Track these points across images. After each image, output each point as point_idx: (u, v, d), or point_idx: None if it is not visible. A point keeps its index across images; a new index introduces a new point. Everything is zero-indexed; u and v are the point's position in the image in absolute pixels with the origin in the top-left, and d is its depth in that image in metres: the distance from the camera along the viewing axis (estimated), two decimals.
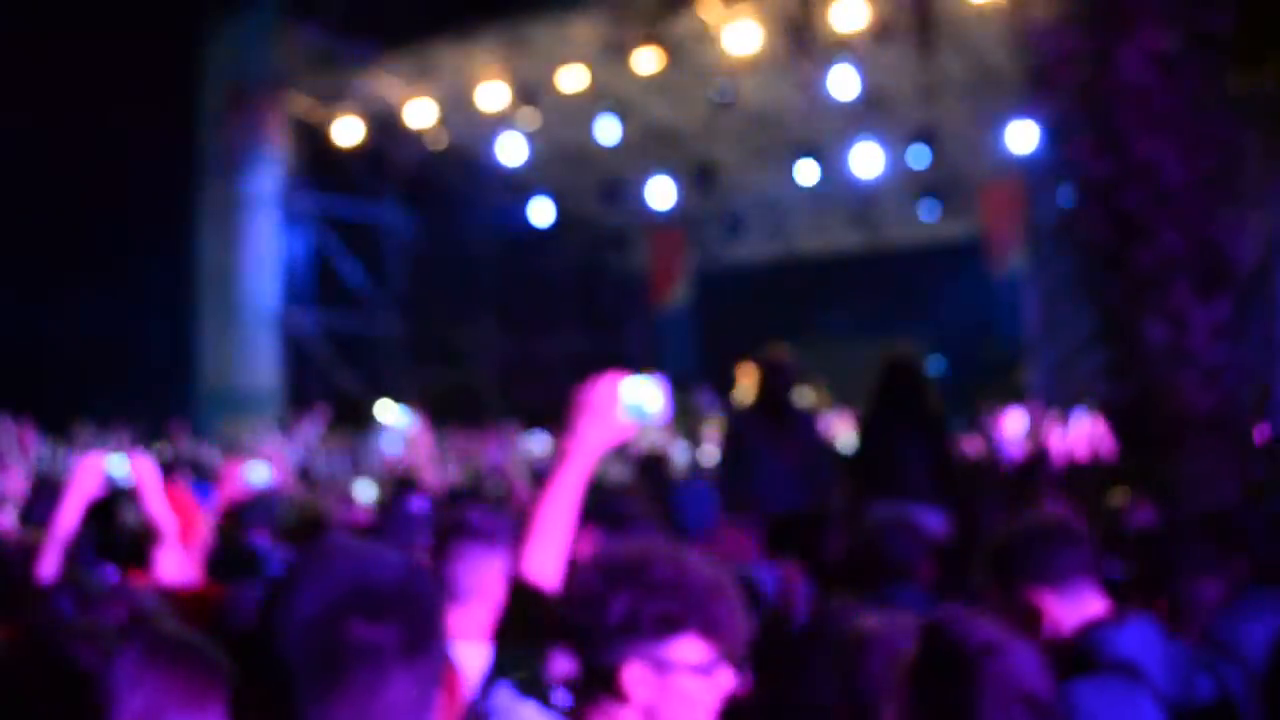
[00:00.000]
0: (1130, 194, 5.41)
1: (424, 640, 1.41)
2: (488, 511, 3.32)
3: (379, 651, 1.36)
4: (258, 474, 6.35)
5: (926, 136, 18.67)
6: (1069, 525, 2.96)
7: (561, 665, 2.43)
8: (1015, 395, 17.39)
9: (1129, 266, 5.43)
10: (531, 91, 18.51)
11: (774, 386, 6.83)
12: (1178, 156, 5.36)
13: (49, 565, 3.77)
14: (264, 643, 1.40)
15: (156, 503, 4.05)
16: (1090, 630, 2.71)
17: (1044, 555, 2.82)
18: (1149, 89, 5.39)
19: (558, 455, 2.57)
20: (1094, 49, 5.54)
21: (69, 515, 3.90)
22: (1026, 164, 15.27)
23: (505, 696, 2.27)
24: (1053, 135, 5.94)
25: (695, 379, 22.16)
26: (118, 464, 4.26)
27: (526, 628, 2.43)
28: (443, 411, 22.19)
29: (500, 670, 2.35)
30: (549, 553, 2.48)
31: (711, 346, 23.55)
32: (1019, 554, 2.86)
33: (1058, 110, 5.96)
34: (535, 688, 2.29)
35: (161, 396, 19.68)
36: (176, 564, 4.01)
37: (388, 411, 7.58)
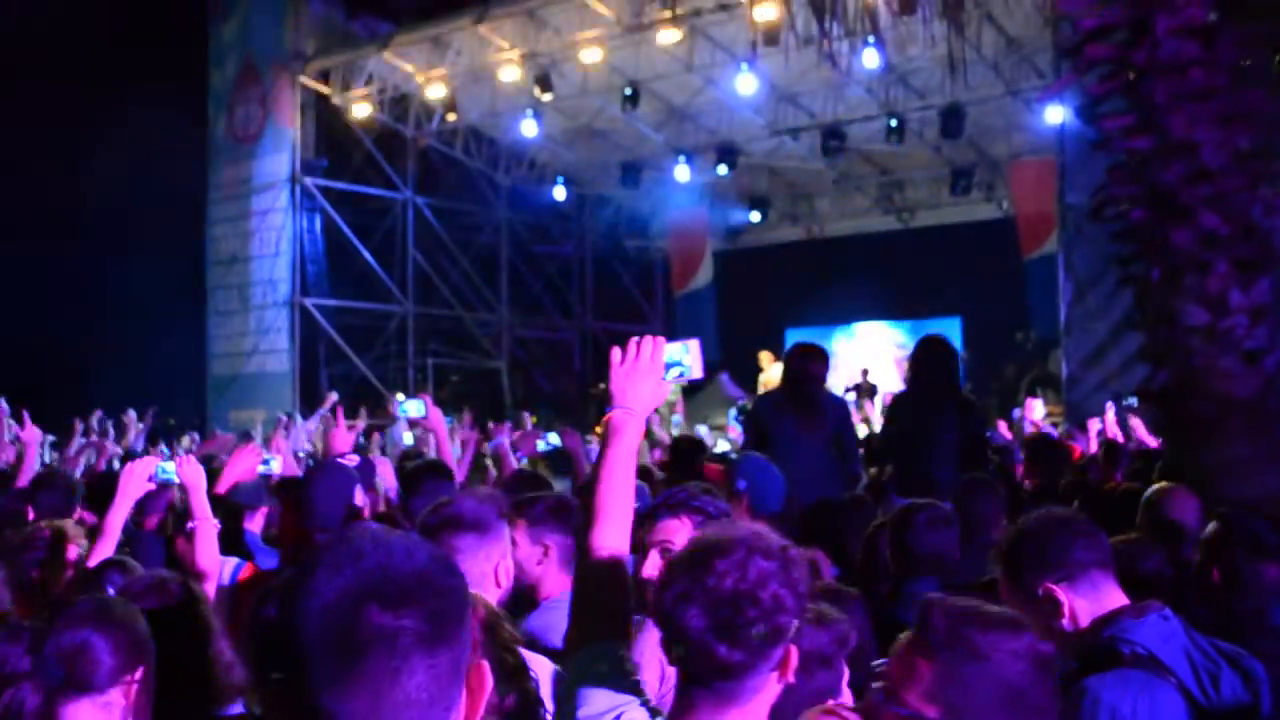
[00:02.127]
0: (1167, 172, 5.34)
1: (445, 632, 1.38)
2: (481, 499, 3.31)
3: (397, 640, 1.34)
4: (271, 465, 6.35)
5: (954, 114, 18.57)
6: (1082, 518, 2.93)
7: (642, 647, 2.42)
8: (1050, 380, 17.32)
9: (1166, 247, 5.37)
10: (548, 71, 18.49)
11: (801, 373, 6.84)
12: (1217, 133, 5.30)
13: (102, 554, 4.02)
14: (281, 629, 1.39)
15: (201, 503, 4.21)
16: (1109, 622, 2.70)
17: (1057, 547, 2.80)
18: (1187, 63, 5.32)
19: (605, 427, 2.54)
20: (1130, 21, 5.48)
21: (120, 512, 4.26)
22: (1058, 142, 15.14)
23: (603, 700, 2.20)
24: (1086, 112, 5.87)
25: (716, 363, 22.16)
26: (167, 466, 4.49)
27: (606, 611, 2.37)
28: (458, 396, 22.28)
29: (584, 667, 2.27)
30: (619, 528, 2.44)
31: (733, 329, 23.51)
32: (1033, 547, 2.84)
33: (1091, 86, 5.88)
34: (627, 682, 2.23)
35: (172, 383, 19.79)
36: (214, 560, 4.14)
37: (403, 402, 7.67)
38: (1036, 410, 12.41)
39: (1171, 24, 5.39)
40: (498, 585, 3.21)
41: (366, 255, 21.48)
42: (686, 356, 2.54)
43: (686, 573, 2.04)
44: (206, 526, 4.19)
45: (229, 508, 5.34)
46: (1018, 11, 15.63)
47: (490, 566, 3.21)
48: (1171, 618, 2.72)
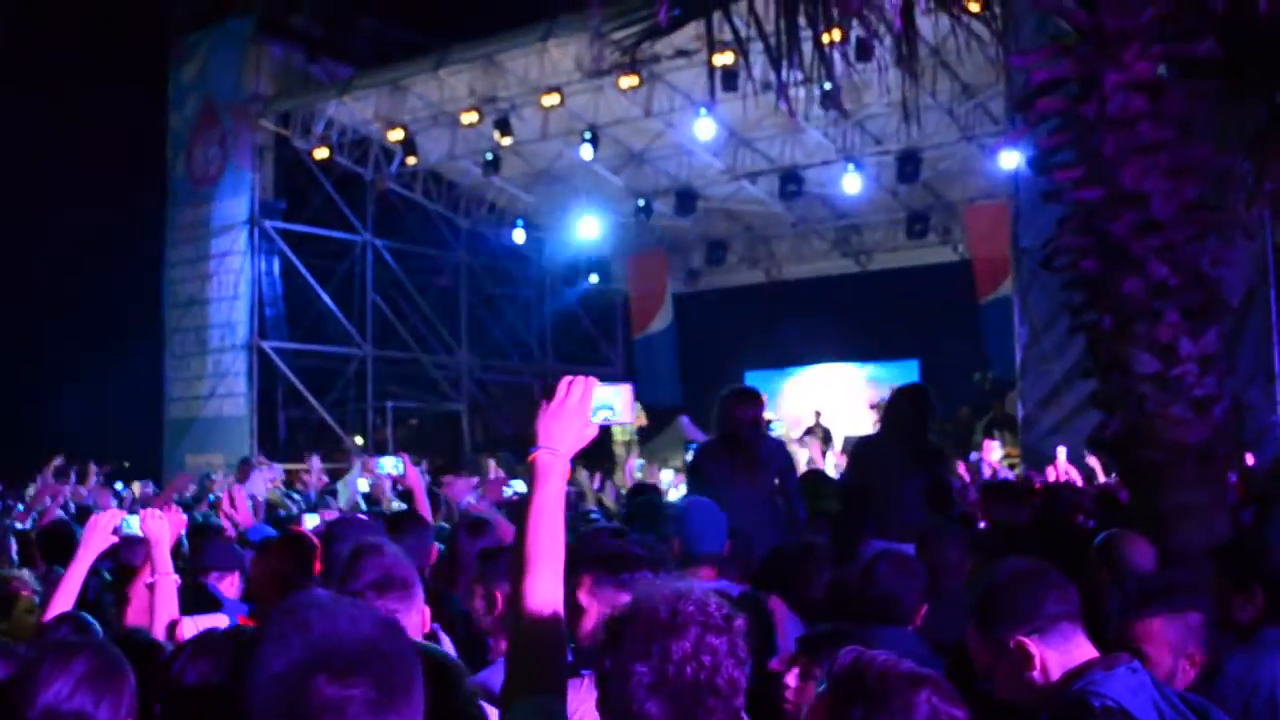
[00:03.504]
0: (1118, 223, 5.42)
1: (394, 699, 1.40)
2: (398, 555, 3.29)
3: (345, 711, 1.35)
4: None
5: (910, 159, 18.79)
6: (1052, 569, 2.94)
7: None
8: (1007, 422, 17.43)
9: (1117, 296, 5.45)
10: (507, 115, 18.57)
11: (739, 417, 6.78)
12: (1166, 185, 5.39)
13: (59, 608, 3.95)
14: (232, 700, 1.39)
15: (163, 557, 4.15)
16: (1079, 676, 2.71)
17: (1028, 600, 2.81)
18: (1136, 116, 5.43)
19: (530, 469, 2.45)
20: (1079, 75, 5.58)
21: (82, 565, 4.19)
22: (1012, 186, 15.33)
23: None
24: (1038, 163, 5.98)
25: (676, 406, 22.18)
26: (130, 520, 4.43)
27: (541, 664, 2.28)
28: (418, 440, 22.16)
29: None
30: (551, 574, 2.35)
31: (693, 371, 23.57)
32: (1003, 599, 2.84)
33: (1042, 138, 5.99)
34: None
35: (128, 426, 19.56)
36: (172, 617, 4.08)
37: (380, 459, 7.76)
38: (994, 452, 12.48)
39: (1120, 79, 5.49)
40: (423, 636, 3.26)
41: (325, 298, 21.42)
42: (617, 400, 2.46)
43: (641, 656, 2.00)
44: (167, 582, 4.14)
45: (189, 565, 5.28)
46: (971, 60, 15.82)
47: (419, 619, 3.24)
48: (1140, 670, 2.74)
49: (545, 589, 2.33)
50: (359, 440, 21.21)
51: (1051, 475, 10.35)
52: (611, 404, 2.59)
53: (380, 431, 21.50)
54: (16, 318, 20.09)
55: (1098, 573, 4.42)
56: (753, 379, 22.01)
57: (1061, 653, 2.77)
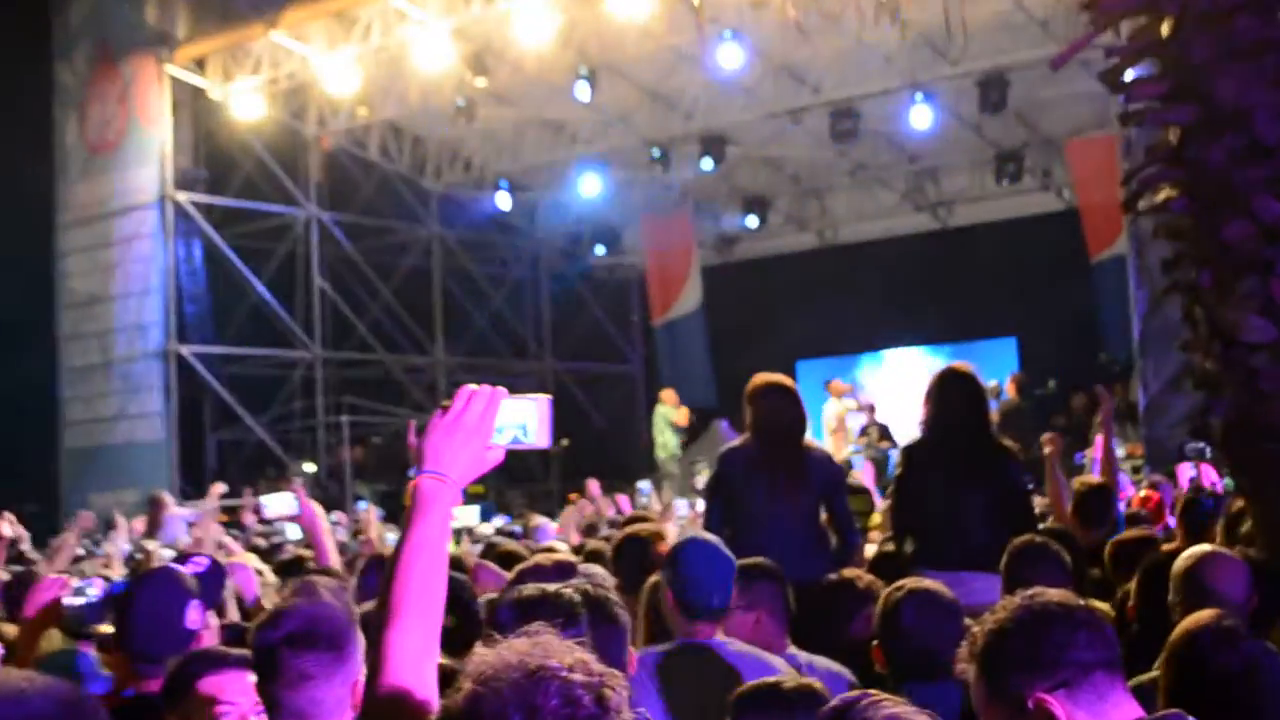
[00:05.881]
0: (1214, 149, 5.37)
1: None
2: (334, 605, 3.28)
3: None
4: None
5: (995, 83, 18.65)
6: (1080, 605, 2.84)
7: None
8: (1128, 414, 17.32)
9: (1217, 245, 5.39)
10: (483, 52, 18.57)
11: (772, 420, 6.76)
12: (1273, 98, 5.34)
13: None
14: None
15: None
16: None
17: (1053, 646, 2.72)
18: (1232, 9, 5.37)
19: (411, 497, 2.45)
20: None
21: None
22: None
23: None
24: (1111, 77, 5.88)
25: (710, 406, 22.13)
26: None
27: None
28: (382, 462, 22.20)
29: None
30: (425, 628, 2.35)
31: (729, 363, 23.51)
32: (1021, 645, 2.75)
33: (1114, 45, 5.94)
34: None
35: (14, 461, 19.66)
36: None
37: (276, 500, 7.91)
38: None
39: None
40: (354, 709, 3.22)
41: (261, 289, 21.52)
42: (531, 417, 2.47)
43: None
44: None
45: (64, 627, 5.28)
46: None
47: (347, 689, 3.21)
48: None
49: (415, 642, 2.32)
50: (309, 467, 21.27)
51: (1185, 476, 10.23)
52: (524, 422, 2.61)
53: (336, 453, 21.55)
54: None
55: (1176, 602, 4.37)
56: (805, 370, 21.92)
57: (1094, 713, 2.68)
